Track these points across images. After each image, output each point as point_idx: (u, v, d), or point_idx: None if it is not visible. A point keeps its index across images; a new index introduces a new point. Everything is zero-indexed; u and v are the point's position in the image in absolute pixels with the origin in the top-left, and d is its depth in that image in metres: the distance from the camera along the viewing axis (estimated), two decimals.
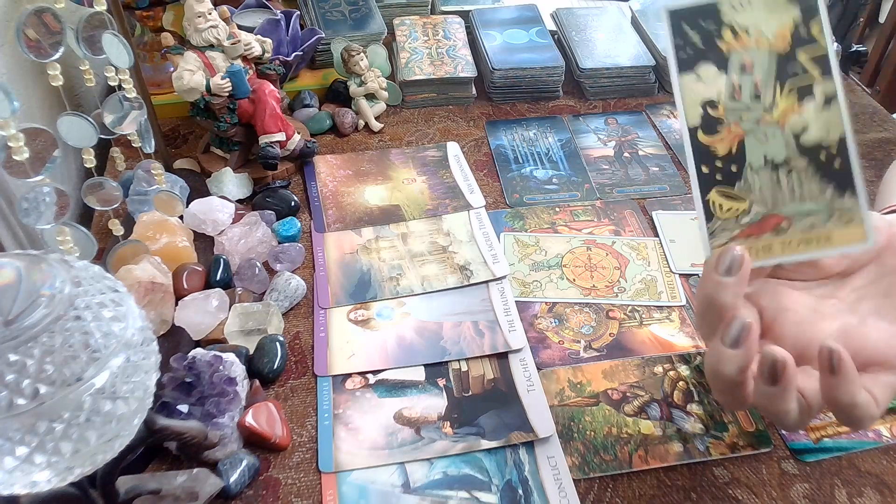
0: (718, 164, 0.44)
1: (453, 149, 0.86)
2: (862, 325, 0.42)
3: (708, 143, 0.44)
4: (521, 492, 0.52)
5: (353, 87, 0.88)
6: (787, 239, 0.43)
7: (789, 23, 0.42)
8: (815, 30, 0.42)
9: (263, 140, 0.76)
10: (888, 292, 0.43)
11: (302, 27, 0.97)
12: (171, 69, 0.75)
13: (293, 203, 0.76)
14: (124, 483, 0.48)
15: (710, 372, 0.41)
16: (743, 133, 0.43)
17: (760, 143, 0.43)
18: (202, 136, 0.85)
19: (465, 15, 1.06)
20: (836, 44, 0.99)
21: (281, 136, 0.77)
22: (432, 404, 0.57)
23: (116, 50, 0.60)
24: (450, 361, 0.61)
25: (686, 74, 0.44)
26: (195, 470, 0.51)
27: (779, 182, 0.43)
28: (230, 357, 0.56)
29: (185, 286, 0.64)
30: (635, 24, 1.05)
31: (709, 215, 0.44)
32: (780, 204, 0.43)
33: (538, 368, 0.60)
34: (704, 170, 0.44)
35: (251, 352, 0.60)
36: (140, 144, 0.66)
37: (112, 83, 0.64)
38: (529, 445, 0.55)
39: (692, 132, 0.44)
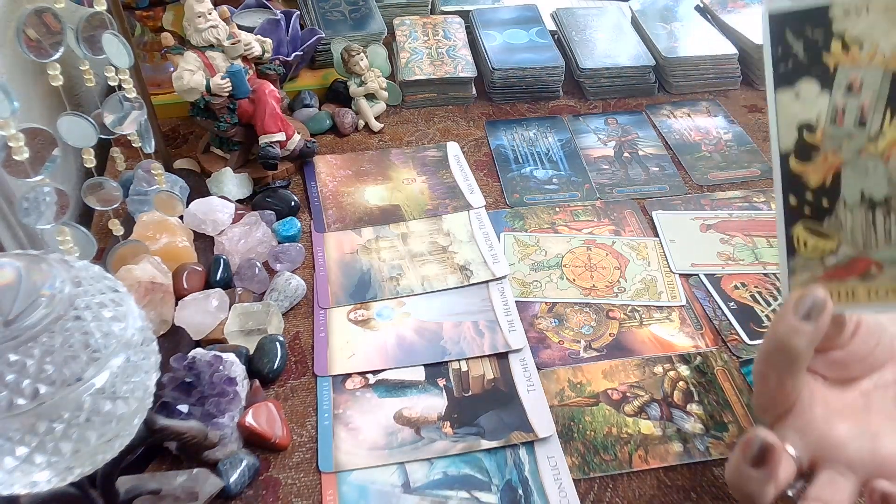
0: (808, 195, 0.39)
1: (453, 149, 0.86)
2: (879, 434, 0.39)
3: (800, 171, 0.39)
4: (521, 492, 0.52)
5: (353, 87, 0.88)
6: (876, 286, 0.38)
7: None
8: None
9: (263, 140, 0.76)
10: None
11: (302, 27, 0.97)
12: (171, 69, 0.75)
13: (293, 203, 0.76)
14: (124, 483, 0.48)
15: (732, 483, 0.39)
16: (840, 163, 0.38)
17: (859, 177, 0.38)
18: (202, 136, 0.85)
19: (465, 15, 1.06)
20: None
21: (281, 136, 0.77)
22: (432, 404, 0.57)
23: (116, 50, 0.60)
24: (450, 361, 0.61)
25: (784, 91, 0.39)
26: (195, 470, 0.51)
27: (874, 223, 0.38)
28: (230, 357, 0.56)
29: (185, 286, 0.64)
30: (635, 24, 1.05)
31: (791, 251, 0.40)
32: (871, 247, 0.38)
33: (538, 368, 0.60)
34: (792, 201, 0.39)
35: (251, 352, 0.60)
36: (140, 144, 0.66)
37: (112, 83, 0.64)
38: (529, 445, 0.55)
39: (784, 157, 0.39)
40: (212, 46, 0.75)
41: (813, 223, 0.39)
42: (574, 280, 0.69)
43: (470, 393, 0.58)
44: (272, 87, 0.77)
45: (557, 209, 0.77)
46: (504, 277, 0.68)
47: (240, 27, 0.79)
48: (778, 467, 0.37)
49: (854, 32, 0.37)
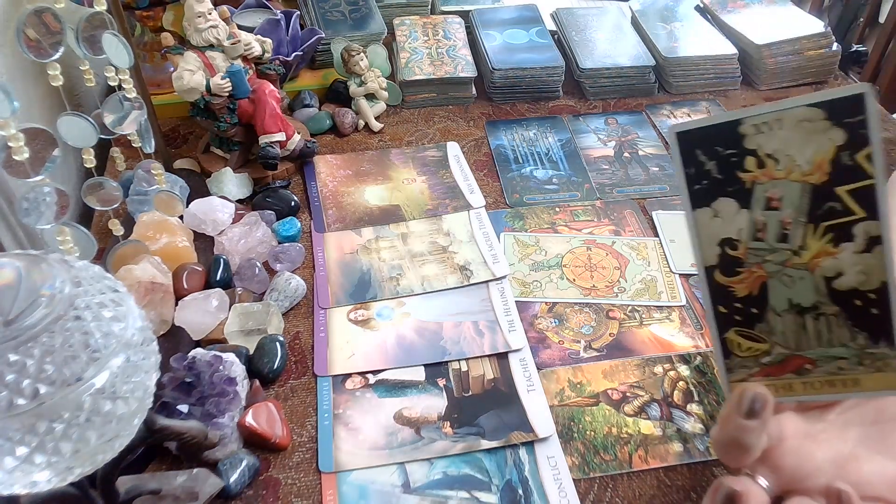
0: (738, 304, 0.40)
1: (453, 149, 0.86)
2: (854, 457, 0.40)
3: (726, 283, 0.40)
4: (521, 492, 0.52)
5: (353, 87, 0.88)
6: (811, 380, 0.39)
7: (830, 149, 0.35)
8: (861, 157, 0.35)
9: (263, 140, 0.76)
10: (875, 419, 0.41)
11: (302, 27, 0.97)
12: (171, 69, 0.75)
13: (293, 203, 0.76)
14: (124, 483, 0.48)
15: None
16: (766, 276, 0.39)
17: (786, 287, 0.38)
18: (202, 136, 0.85)
19: (465, 15, 1.06)
20: (836, 44, 0.99)
21: (281, 136, 0.77)
22: (432, 404, 0.57)
23: (116, 50, 0.60)
24: (450, 361, 0.61)
25: (702, 210, 0.39)
26: (195, 470, 0.51)
27: (804, 327, 0.39)
28: (230, 357, 0.56)
29: (185, 286, 0.64)
30: (635, 24, 1.05)
31: (727, 353, 0.41)
32: (804, 347, 0.39)
33: (538, 368, 0.60)
34: (722, 310, 0.40)
35: (251, 352, 0.60)
36: (140, 144, 0.66)
37: (112, 83, 0.64)
38: (529, 445, 0.55)
39: (708, 271, 0.40)
40: (212, 46, 0.75)
41: (745, 329, 0.40)
42: (574, 280, 0.69)
43: (470, 393, 0.58)
44: (272, 87, 0.77)
45: (557, 209, 0.77)
46: (504, 277, 0.68)
47: (240, 27, 0.79)
48: (769, 417, 0.39)
49: (768, 148, 0.36)
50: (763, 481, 0.40)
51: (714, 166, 0.38)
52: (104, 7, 0.60)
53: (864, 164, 0.35)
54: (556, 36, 1.03)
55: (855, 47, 1.86)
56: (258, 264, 0.67)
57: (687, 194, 0.39)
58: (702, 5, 1.08)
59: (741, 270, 0.39)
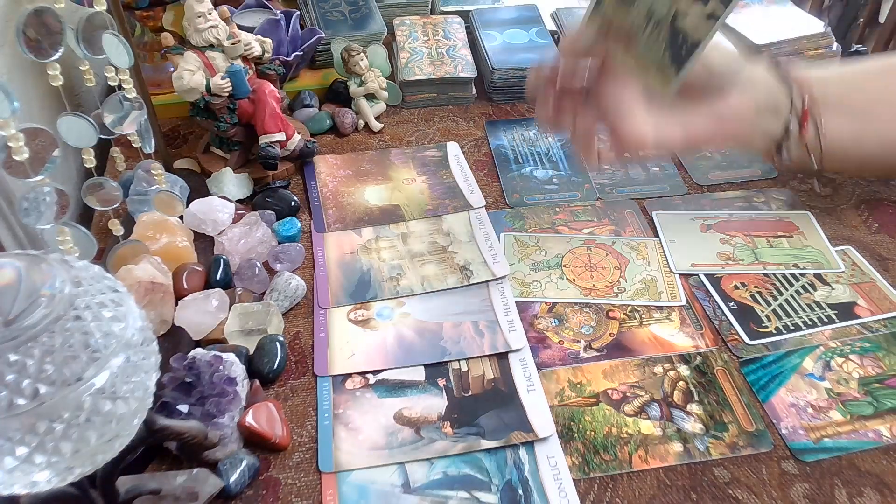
0: None
1: (453, 149, 0.86)
2: (636, 104, 0.56)
3: None
4: (521, 492, 0.52)
5: (353, 87, 0.88)
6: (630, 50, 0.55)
7: None
8: None
9: (263, 140, 0.76)
10: (683, 96, 0.56)
11: (302, 27, 0.97)
12: (171, 69, 0.75)
13: (293, 203, 0.76)
14: (124, 483, 0.48)
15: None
16: None
17: None
18: (202, 136, 0.85)
19: (465, 15, 1.06)
20: (836, 44, 0.99)
21: (281, 136, 0.77)
22: (432, 404, 0.57)
23: (116, 50, 0.60)
24: (450, 361, 0.61)
25: None
26: (195, 470, 0.51)
27: (647, 23, 0.53)
28: (230, 357, 0.56)
29: (185, 286, 0.64)
30: None
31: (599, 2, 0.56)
32: (637, 36, 0.54)
33: (538, 368, 0.60)
34: None
35: (251, 352, 0.60)
36: (140, 144, 0.66)
37: (112, 83, 0.64)
38: (529, 445, 0.55)
39: None
40: (212, 46, 0.75)
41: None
42: (574, 280, 0.69)
43: (470, 393, 0.58)
44: (272, 87, 0.77)
45: (557, 209, 0.77)
46: (504, 277, 0.68)
47: (240, 27, 0.79)
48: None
49: None
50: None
51: None
52: (104, 7, 0.60)
53: None
54: (556, 36, 1.03)
55: (855, 47, 1.85)
56: (258, 264, 0.67)
57: None
58: None
59: None
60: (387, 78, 0.91)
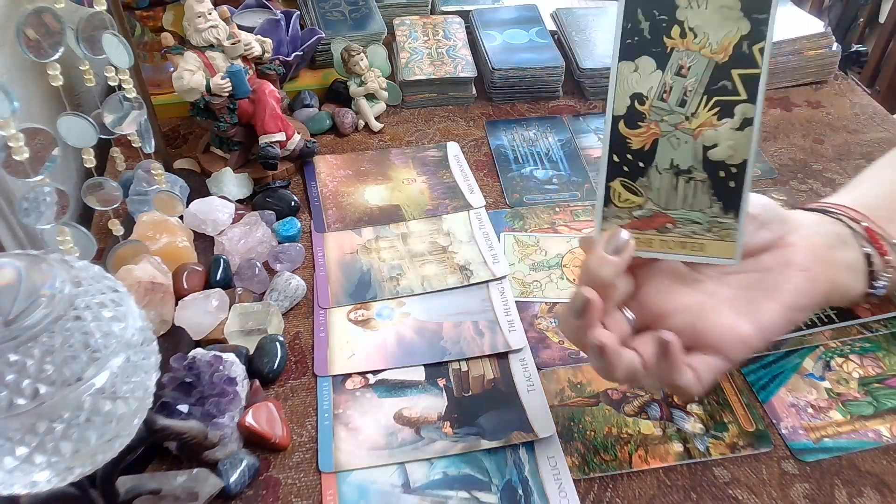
0: (629, 156, 0.46)
1: (453, 149, 0.86)
2: (714, 309, 0.45)
3: (626, 134, 0.46)
4: (521, 492, 0.52)
5: (353, 87, 0.88)
6: (668, 239, 0.46)
7: (736, 36, 0.42)
8: (756, 49, 0.42)
9: (263, 140, 0.76)
10: (750, 286, 0.46)
11: (302, 27, 0.97)
12: (171, 69, 0.75)
13: (293, 203, 0.76)
14: (124, 483, 0.48)
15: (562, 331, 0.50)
16: (659, 133, 0.45)
17: (672, 148, 0.45)
18: (202, 136, 0.85)
19: (465, 15, 1.06)
20: (836, 44, 0.99)
21: (281, 136, 0.77)
22: (432, 404, 0.57)
23: (116, 50, 0.60)
24: (450, 361, 0.61)
25: (626, 62, 0.45)
26: (195, 470, 0.51)
27: (676, 187, 0.45)
28: (230, 357, 0.56)
29: (185, 286, 0.64)
30: None
31: (607, 201, 0.47)
32: (671, 206, 0.46)
33: (538, 368, 0.60)
34: (615, 158, 0.46)
35: (251, 352, 0.60)
36: (140, 144, 0.66)
37: (112, 83, 0.64)
38: (529, 445, 0.55)
39: (615, 120, 0.46)
40: (212, 46, 0.75)
41: (628, 180, 0.46)
42: (574, 280, 0.68)
43: (470, 393, 0.58)
44: (272, 87, 0.77)
45: (557, 209, 0.77)
46: (504, 277, 0.68)
47: (240, 27, 0.79)
48: (593, 318, 0.44)
49: (692, 22, 0.43)
50: (629, 314, 0.47)
51: (647, 27, 0.44)
52: (104, 7, 0.60)
53: (756, 55, 0.42)
54: (556, 36, 1.03)
55: (855, 47, 1.86)
56: (258, 264, 0.67)
57: (619, 46, 0.45)
58: None
59: (641, 125, 0.45)
60: (387, 78, 0.91)
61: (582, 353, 0.61)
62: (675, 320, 0.45)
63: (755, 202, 0.46)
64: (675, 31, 0.43)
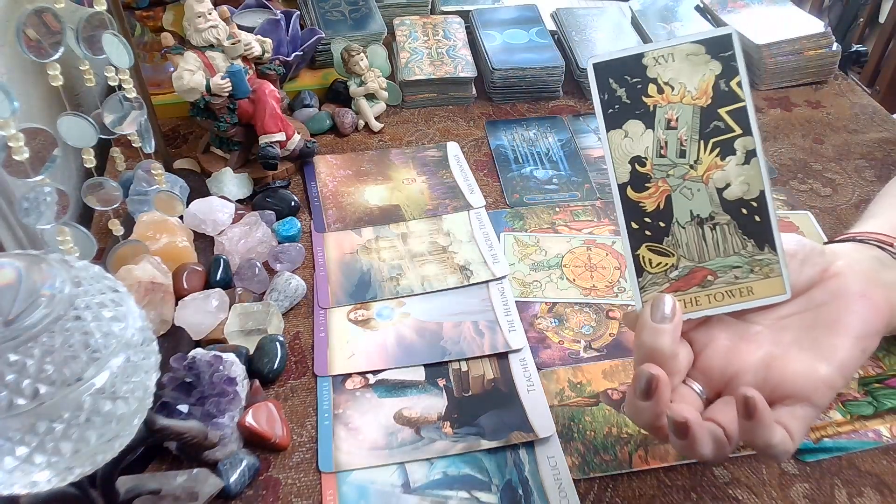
0: (647, 219, 0.45)
1: (453, 149, 0.86)
2: (783, 357, 0.42)
3: (637, 199, 0.45)
4: (521, 492, 0.52)
5: (353, 87, 0.88)
6: (713, 292, 0.44)
7: (711, 78, 0.43)
8: (734, 84, 0.43)
9: (263, 140, 0.76)
10: (811, 325, 0.43)
11: (302, 27, 0.97)
12: (171, 69, 0.75)
13: (293, 203, 0.76)
14: (124, 483, 0.48)
15: (630, 417, 0.44)
16: (670, 189, 0.44)
17: (686, 199, 0.44)
18: (202, 136, 0.85)
19: (465, 15, 1.06)
20: (836, 44, 0.99)
21: (281, 136, 0.77)
22: (432, 404, 0.57)
23: (116, 50, 0.60)
24: (450, 361, 0.61)
25: (614, 131, 0.45)
26: (195, 470, 0.51)
27: (704, 237, 0.44)
28: (230, 357, 0.56)
29: (185, 286, 0.64)
30: (635, 24, 1.05)
31: (639, 270, 0.45)
32: (705, 258, 0.44)
33: (538, 368, 0.60)
34: (634, 226, 0.45)
35: (251, 352, 0.60)
36: (140, 144, 0.66)
37: (112, 83, 0.64)
38: (529, 445, 0.55)
39: (622, 188, 0.45)
40: (212, 46, 0.75)
41: (654, 243, 0.45)
42: (574, 280, 0.69)
43: (470, 393, 0.58)
44: (272, 87, 0.77)
45: (557, 209, 0.77)
46: (504, 277, 0.68)
47: (240, 27, 0.79)
48: (664, 396, 0.40)
49: (665, 77, 0.44)
50: (696, 386, 0.44)
51: (624, 92, 0.44)
52: (104, 7, 0.60)
53: (736, 89, 0.43)
54: (556, 36, 1.03)
55: (855, 47, 1.86)
56: (258, 264, 0.67)
57: (602, 118, 0.45)
58: (702, 5, 1.08)
59: (649, 185, 0.45)
60: (387, 78, 0.91)
61: (582, 353, 0.61)
62: (746, 380, 0.42)
63: (788, 240, 0.44)
64: (652, 88, 0.44)
